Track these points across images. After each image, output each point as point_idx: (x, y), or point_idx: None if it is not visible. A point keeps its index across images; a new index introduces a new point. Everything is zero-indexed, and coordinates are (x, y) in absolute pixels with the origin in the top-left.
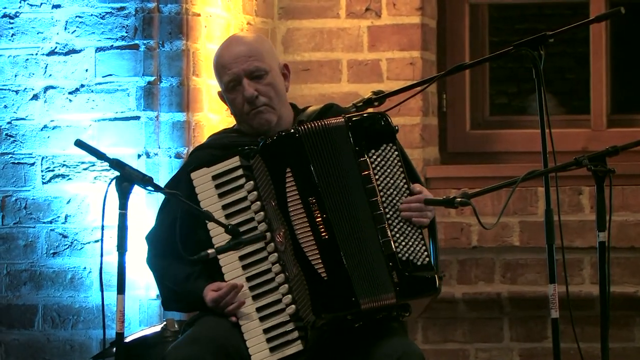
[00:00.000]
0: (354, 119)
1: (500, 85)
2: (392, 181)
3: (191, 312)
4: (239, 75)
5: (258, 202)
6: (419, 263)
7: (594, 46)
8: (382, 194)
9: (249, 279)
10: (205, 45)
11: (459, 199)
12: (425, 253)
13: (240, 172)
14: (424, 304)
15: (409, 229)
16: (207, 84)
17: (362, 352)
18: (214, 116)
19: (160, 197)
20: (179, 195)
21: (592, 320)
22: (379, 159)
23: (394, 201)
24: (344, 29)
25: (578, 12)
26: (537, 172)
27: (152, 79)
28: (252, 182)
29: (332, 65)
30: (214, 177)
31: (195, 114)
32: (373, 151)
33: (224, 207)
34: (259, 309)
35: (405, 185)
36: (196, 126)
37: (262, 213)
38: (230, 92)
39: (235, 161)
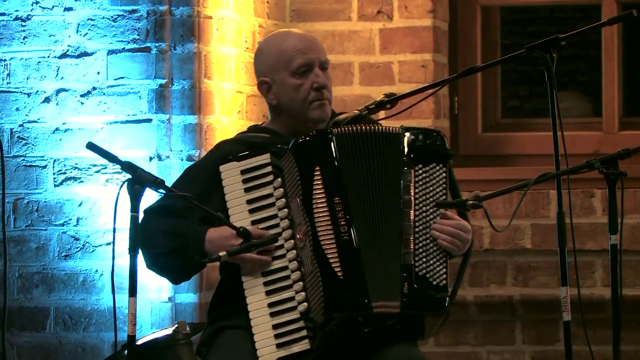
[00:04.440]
0: (411, 130)
1: (512, 87)
2: (431, 199)
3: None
4: (314, 61)
5: (283, 199)
6: (434, 282)
7: (606, 49)
8: (417, 207)
9: (264, 274)
10: (217, 48)
11: (470, 202)
12: (444, 276)
13: (269, 169)
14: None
15: (434, 248)
16: (218, 87)
17: (364, 356)
18: (225, 119)
19: None
20: (190, 197)
21: (604, 323)
22: (424, 175)
23: (427, 218)
24: (355, 31)
25: (590, 14)
26: (549, 175)
27: (163, 81)
28: (279, 179)
29: (343, 68)
30: (243, 172)
31: (207, 117)
32: (421, 166)
33: (249, 201)
34: (270, 305)
35: (443, 208)
36: (208, 129)
37: (285, 210)
38: (298, 76)
39: (265, 158)
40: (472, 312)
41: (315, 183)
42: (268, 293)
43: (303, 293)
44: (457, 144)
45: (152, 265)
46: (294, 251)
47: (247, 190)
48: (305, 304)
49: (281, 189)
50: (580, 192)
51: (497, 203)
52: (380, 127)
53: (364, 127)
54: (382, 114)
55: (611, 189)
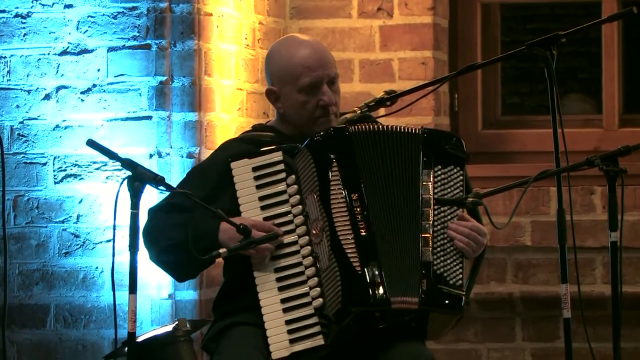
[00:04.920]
0: (431, 131)
1: (512, 85)
2: None
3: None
4: (322, 79)
5: (297, 196)
6: (451, 281)
7: (606, 46)
8: (435, 207)
9: (277, 270)
10: (217, 45)
11: (470, 199)
12: (460, 275)
13: (281, 166)
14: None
15: (452, 248)
16: (219, 84)
17: (374, 354)
18: (225, 116)
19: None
20: (190, 194)
21: (604, 320)
22: (443, 176)
23: (445, 218)
24: (355, 28)
25: (590, 12)
26: (549, 172)
27: (164, 78)
28: (293, 176)
29: (344, 65)
30: (255, 169)
31: (207, 114)
32: (440, 167)
33: (261, 198)
34: (283, 300)
35: (460, 209)
36: (208, 126)
37: (300, 206)
38: (305, 93)
39: (277, 156)
40: (472, 309)
41: (332, 179)
42: (281, 289)
43: (318, 288)
44: None
45: (158, 260)
46: (309, 247)
47: (259, 187)
48: (321, 299)
49: (295, 186)
50: (581, 189)
51: (497, 200)
52: (399, 127)
53: (382, 126)
54: (382, 111)
55: (611, 186)
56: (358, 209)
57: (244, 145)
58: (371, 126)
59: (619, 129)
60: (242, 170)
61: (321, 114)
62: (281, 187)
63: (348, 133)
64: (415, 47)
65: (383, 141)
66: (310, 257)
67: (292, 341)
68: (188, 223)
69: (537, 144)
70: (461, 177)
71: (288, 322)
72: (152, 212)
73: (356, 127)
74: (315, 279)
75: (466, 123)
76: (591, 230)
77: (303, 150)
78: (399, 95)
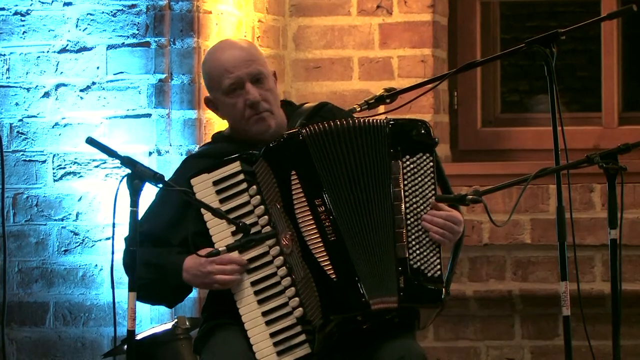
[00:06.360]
0: (396, 121)
1: (512, 82)
2: (420, 190)
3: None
4: (243, 78)
5: (261, 206)
6: (429, 274)
7: (606, 44)
8: (406, 199)
9: (253, 284)
10: None
11: (470, 197)
12: (438, 267)
13: (241, 177)
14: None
15: (427, 240)
16: None
17: (364, 353)
18: None
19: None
20: (190, 193)
21: (604, 317)
22: (412, 166)
23: (418, 210)
24: (355, 26)
25: (589, 9)
26: (548, 170)
27: (163, 76)
28: (254, 186)
29: (343, 63)
30: (215, 183)
31: (207, 112)
32: (408, 156)
33: (226, 212)
34: (264, 313)
35: (433, 198)
36: (207, 124)
37: (265, 217)
38: (230, 96)
39: (236, 166)
40: (472, 307)
41: (293, 187)
42: (260, 302)
43: (297, 298)
44: (456, 139)
45: (139, 298)
46: (281, 257)
47: (222, 200)
48: (301, 309)
49: (258, 197)
50: (580, 187)
51: (496, 198)
52: (359, 121)
53: (338, 123)
54: (381, 108)
55: (611, 184)
56: (324, 215)
57: (203, 160)
58: (327, 125)
59: (618, 126)
60: (203, 186)
61: (251, 113)
62: (244, 198)
63: (301, 137)
64: (415, 44)
65: (342, 138)
66: (284, 268)
67: (279, 353)
68: (158, 262)
69: (537, 142)
70: (431, 164)
71: (273, 335)
72: (126, 242)
73: (309, 129)
74: (293, 289)
75: (465, 121)
76: (591, 227)
77: (260, 160)
78: (398, 93)
